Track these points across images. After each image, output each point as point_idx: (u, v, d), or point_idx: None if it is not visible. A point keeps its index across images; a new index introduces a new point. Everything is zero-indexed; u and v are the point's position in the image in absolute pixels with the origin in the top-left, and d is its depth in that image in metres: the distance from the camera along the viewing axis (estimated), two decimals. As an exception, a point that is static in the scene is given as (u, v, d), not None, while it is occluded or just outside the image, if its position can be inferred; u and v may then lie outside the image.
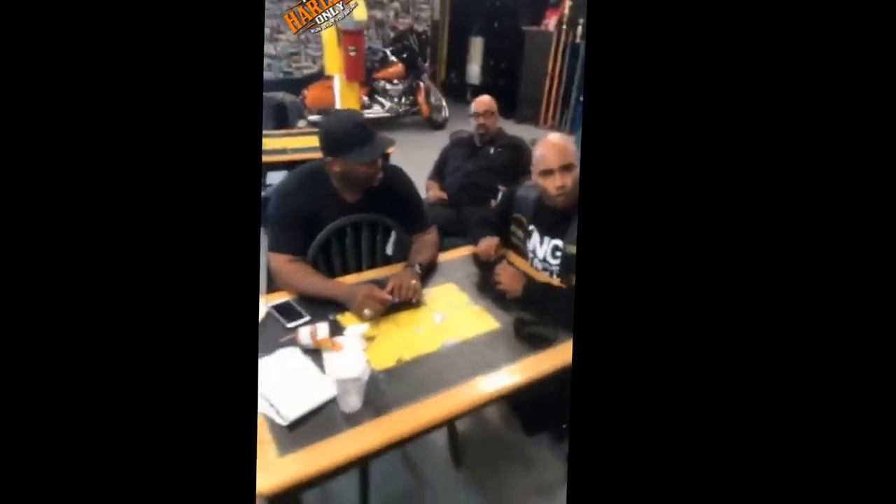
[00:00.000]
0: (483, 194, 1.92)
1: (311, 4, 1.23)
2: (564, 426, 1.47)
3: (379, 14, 5.44)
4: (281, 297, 1.14)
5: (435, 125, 4.73)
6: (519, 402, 1.57)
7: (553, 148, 1.19)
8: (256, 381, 0.76)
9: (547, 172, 1.19)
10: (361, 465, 1.23)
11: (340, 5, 1.21)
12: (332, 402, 0.87)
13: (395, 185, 1.34)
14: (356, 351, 0.95)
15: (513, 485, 1.39)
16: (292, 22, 1.28)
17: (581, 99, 4.59)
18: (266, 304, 1.11)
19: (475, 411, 1.63)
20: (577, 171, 1.19)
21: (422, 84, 4.78)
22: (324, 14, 1.24)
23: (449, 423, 1.42)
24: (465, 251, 1.42)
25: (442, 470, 1.41)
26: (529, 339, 1.05)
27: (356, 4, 1.35)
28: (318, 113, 3.86)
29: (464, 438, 1.49)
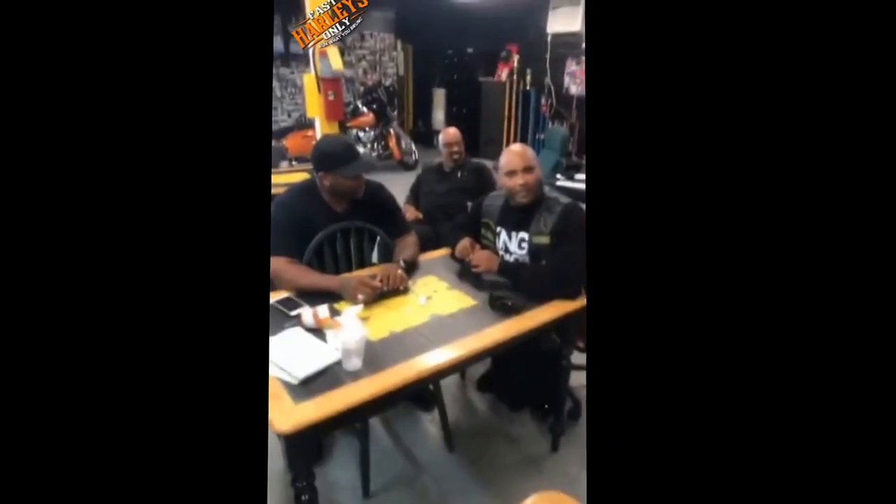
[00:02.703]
0: (455, 211, 2.13)
1: (318, 21, 1.41)
2: (546, 406, 1.61)
3: (349, 72, 5.90)
4: (282, 294, 1.28)
5: (406, 167, 5.06)
6: (501, 385, 1.71)
7: (515, 154, 1.43)
8: (267, 349, 0.89)
9: (511, 173, 1.41)
10: (363, 450, 1.32)
11: (346, 20, 1.39)
12: (336, 365, 1.01)
13: (377, 197, 1.53)
14: (355, 322, 1.09)
15: (503, 461, 1.49)
16: (300, 38, 1.45)
17: (538, 136, 5.04)
18: (270, 300, 1.25)
19: (464, 401, 1.76)
20: (537, 172, 1.42)
21: (392, 131, 5.15)
22: (330, 30, 1.42)
23: (440, 407, 1.54)
24: (442, 252, 1.60)
25: (436, 455, 1.51)
26: (502, 308, 1.22)
27: (360, 20, 1.57)
28: (297, 159, 4.21)
29: (455, 425, 1.60)
